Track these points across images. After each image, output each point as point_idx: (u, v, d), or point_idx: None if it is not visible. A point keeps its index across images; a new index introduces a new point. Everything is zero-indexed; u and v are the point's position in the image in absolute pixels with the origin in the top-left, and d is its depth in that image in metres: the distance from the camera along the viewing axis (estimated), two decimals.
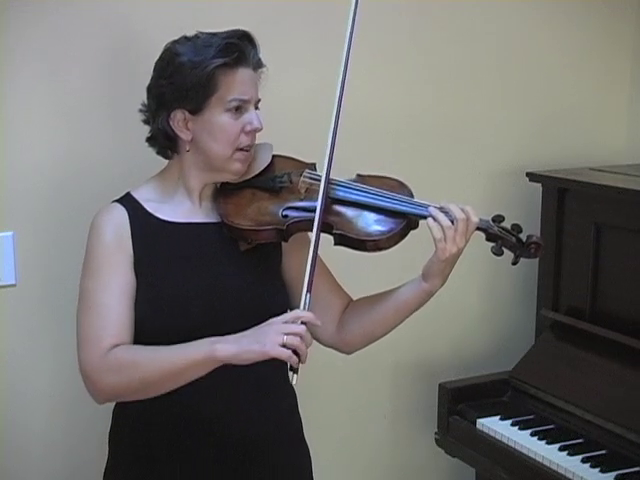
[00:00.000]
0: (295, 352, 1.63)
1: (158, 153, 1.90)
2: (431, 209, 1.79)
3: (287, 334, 1.63)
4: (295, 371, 1.65)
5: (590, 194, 2.53)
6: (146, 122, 1.88)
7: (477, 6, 2.68)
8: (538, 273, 2.70)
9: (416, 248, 1.86)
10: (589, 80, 2.91)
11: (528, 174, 2.65)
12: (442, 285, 1.83)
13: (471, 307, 2.86)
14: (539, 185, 2.65)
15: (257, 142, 1.87)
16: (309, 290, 1.71)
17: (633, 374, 2.32)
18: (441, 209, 1.79)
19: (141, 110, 1.88)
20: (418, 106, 2.65)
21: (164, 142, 1.85)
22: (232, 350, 1.65)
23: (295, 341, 1.63)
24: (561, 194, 2.59)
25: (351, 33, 1.83)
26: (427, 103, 2.67)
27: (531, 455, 2.29)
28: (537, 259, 2.63)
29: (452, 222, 1.76)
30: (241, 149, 1.82)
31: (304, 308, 1.70)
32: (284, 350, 1.62)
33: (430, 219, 1.78)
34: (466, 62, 2.71)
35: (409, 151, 2.65)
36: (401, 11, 2.57)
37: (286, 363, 1.65)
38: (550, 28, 2.82)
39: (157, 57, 1.84)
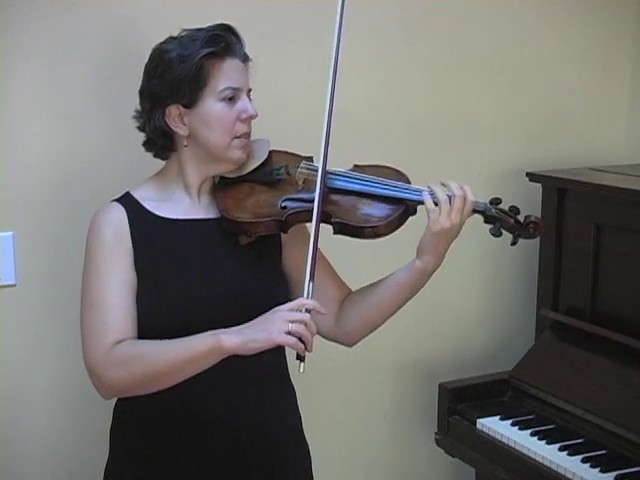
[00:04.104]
0: (300, 340, 1.64)
1: (155, 156, 1.90)
2: (430, 184, 1.80)
3: (292, 321, 1.64)
4: (302, 359, 1.66)
5: (590, 194, 2.53)
6: (141, 128, 1.89)
7: (477, 5, 2.68)
8: (538, 273, 2.70)
9: (415, 237, 1.86)
10: (589, 80, 2.91)
11: (528, 174, 2.65)
12: (435, 265, 1.82)
13: (471, 307, 2.86)
14: (539, 185, 2.65)
15: (254, 138, 1.88)
16: (312, 279, 1.72)
17: (633, 374, 2.32)
18: (441, 184, 1.80)
19: (135, 117, 1.89)
20: (418, 106, 2.66)
21: (162, 141, 1.86)
22: (238, 340, 1.66)
23: (300, 328, 1.64)
24: (561, 194, 2.59)
25: (340, 28, 1.83)
26: (426, 103, 2.67)
27: (531, 455, 2.29)
28: (537, 259, 2.68)
29: (449, 198, 1.77)
30: (238, 137, 1.83)
31: (308, 296, 1.71)
32: (290, 337, 1.64)
33: (426, 192, 1.79)
34: (466, 61, 2.71)
35: (409, 151, 2.65)
36: (401, 11, 2.57)
37: (284, 356, 1.64)
38: (550, 28, 2.82)
39: (146, 62, 1.85)
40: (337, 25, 1.83)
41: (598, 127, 2.95)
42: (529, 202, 2.70)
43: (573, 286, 2.59)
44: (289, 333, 1.64)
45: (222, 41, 1.80)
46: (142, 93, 1.86)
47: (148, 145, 1.90)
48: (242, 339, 1.66)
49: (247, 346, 1.66)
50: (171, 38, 1.83)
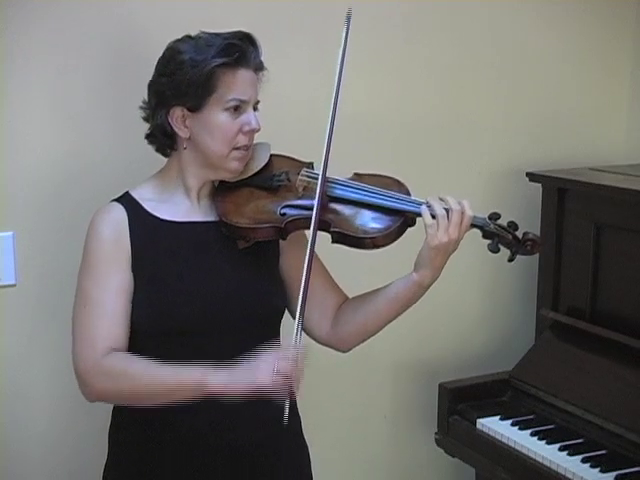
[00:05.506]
0: (288, 385, 1.62)
1: (157, 150, 1.90)
2: (428, 198, 1.80)
3: (279, 366, 1.63)
4: (287, 403, 1.64)
5: (590, 194, 2.53)
6: (146, 119, 1.89)
7: (476, 5, 2.68)
8: (538, 273, 2.70)
9: (414, 247, 1.86)
10: (589, 80, 2.91)
11: (528, 174, 2.65)
12: (433, 278, 1.82)
13: (471, 307, 2.86)
14: (539, 185, 2.65)
15: (255, 142, 1.88)
16: (301, 325, 1.70)
17: (633, 374, 2.32)
18: (439, 199, 1.80)
19: (142, 107, 1.89)
20: (418, 106, 2.66)
21: (162, 139, 1.86)
22: (224, 383, 1.66)
23: (287, 373, 1.63)
24: (561, 194, 2.59)
25: (344, 50, 1.84)
26: (426, 103, 2.67)
27: (531, 455, 2.29)
28: (537, 259, 2.68)
29: (447, 212, 1.77)
30: (238, 148, 1.82)
31: (297, 337, 1.68)
32: (276, 384, 1.62)
33: (424, 206, 1.79)
34: (466, 62, 2.71)
35: (409, 151, 2.65)
36: (401, 11, 2.57)
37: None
38: (550, 28, 2.82)
39: (159, 57, 1.85)
40: (344, 31, 1.83)
41: (598, 127, 2.95)
42: (529, 202, 2.72)
43: (573, 286, 2.59)
44: (276, 378, 1.62)
45: (237, 51, 1.78)
46: (150, 86, 1.85)
47: (150, 139, 1.90)
48: (228, 383, 1.65)
49: (232, 390, 1.65)
50: (187, 37, 1.82)
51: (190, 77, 1.77)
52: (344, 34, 1.84)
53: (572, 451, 2.26)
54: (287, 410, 1.65)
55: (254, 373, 1.64)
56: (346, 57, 1.84)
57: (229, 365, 1.68)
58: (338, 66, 1.83)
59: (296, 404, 1.98)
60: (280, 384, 1.62)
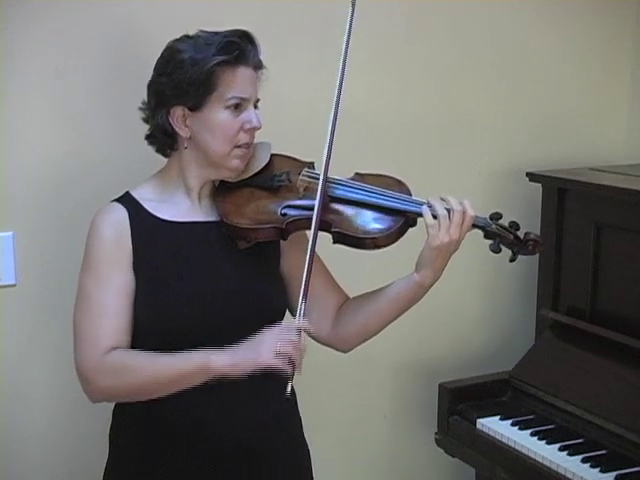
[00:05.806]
0: (290, 361, 1.64)
1: (157, 151, 1.90)
2: (429, 198, 1.80)
3: (281, 343, 1.64)
4: (290, 379, 1.65)
5: (590, 194, 2.53)
6: (146, 120, 1.88)
7: (477, 5, 2.68)
8: (538, 273, 2.70)
9: (415, 247, 1.86)
10: (589, 80, 2.91)
11: (528, 174, 2.65)
12: (434, 279, 1.83)
13: (471, 307, 2.86)
14: (539, 185, 2.65)
15: (256, 141, 1.88)
16: (305, 298, 1.72)
17: (633, 374, 2.32)
18: (440, 199, 1.80)
19: (141, 108, 1.89)
20: (418, 106, 2.66)
21: (163, 139, 1.85)
22: (227, 361, 1.67)
23: (289, 349, 1.64)
24: (561, 194, 2.59)
25: (349, 34, 1.84)
26: (427, 103, 2.67)
27: (531, 455, 2.29)
28: (537, 259, 2.68)
29: (449, 212, 1.77)
30: (239, 146, 1.82)
31: (299, 315, 1.71)
32: (278, 359, 1.64)
33: (425, 206, 1.79)
34: (466, 62, 2.71)
35: (409, 151, 2.65)
36: (402, 11, 2.57)
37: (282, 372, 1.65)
38: (550, 28, 2.82)
39: (158, 56, 1.84)
40: (346, 30, 1.83)
41: (598, 127, 2.95)
42: (529, 202, 2.72)
43: (573, 286, 2.59)
44: (278, 354, 1.63)
45: (236, 49, 1.78)
46: (150, 87, 1.85)
47: (150, 139, 1.90)
48: (232, 361, 1.67)
49: (236, 368, 1.67)
50: (186, 37, 1.82)
51: (190, 76, 1.77)
52: (349, 19, 1.83)
53: (572, 451, 2.26)
54: (290, 387, 1.65)
55: (257, 351, 1.65)
56: (349, 48, 1.83)
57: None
58: (342, 54, 1.82)
59: (296, 403, 1.98)
60: (282, 362, 1.64)
